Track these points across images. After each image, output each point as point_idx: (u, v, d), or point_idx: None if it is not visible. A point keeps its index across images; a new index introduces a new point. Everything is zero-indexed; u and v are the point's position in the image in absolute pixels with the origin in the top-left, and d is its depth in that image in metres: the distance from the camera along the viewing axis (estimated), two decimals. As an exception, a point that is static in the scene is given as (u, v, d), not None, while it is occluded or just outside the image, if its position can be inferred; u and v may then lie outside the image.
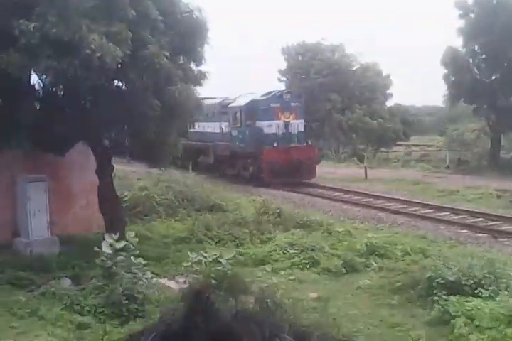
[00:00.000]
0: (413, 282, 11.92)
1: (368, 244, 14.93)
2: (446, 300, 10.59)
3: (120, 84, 14.12)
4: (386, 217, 20.59)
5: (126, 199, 19.82)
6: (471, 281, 11.18)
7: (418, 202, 22.75)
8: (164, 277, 13.23)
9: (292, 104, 29.58)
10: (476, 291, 10.95)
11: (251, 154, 29.50)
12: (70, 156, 16.14)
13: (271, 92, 30.10)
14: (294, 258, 14.52)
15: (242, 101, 30.96)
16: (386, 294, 12.00)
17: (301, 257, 14.51)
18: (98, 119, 13.72)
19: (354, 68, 47.70)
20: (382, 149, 44.30)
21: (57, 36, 11.23)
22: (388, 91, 49.38)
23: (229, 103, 32.26)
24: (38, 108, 13.14)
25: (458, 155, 36.11)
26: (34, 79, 14.07)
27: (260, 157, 28.77)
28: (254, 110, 29.73)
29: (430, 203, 22.52)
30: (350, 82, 45.74)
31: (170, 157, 15.72)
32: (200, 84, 15.38)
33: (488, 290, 10.92)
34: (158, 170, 23.57)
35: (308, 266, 14.18)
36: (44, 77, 13.56)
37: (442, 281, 11.24)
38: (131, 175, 27.09)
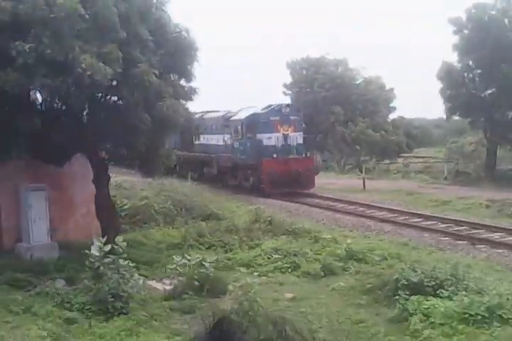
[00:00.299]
0: (382, 284, 12.73)
1: (347, 249, 15.79)
2: (406, 300, 11.43)
3: (115, 99, 15.08)
4: (374, 225, 21.47)
5: (126, 207, 20.87)
6: (433, 282, 12.00)
7: (408, 212, 23.59)
8: (153, 279, 14.17)
9: (291, 118, 30.58)
10: (438, 292, 11.78)
11: (251, 165, 30.50)
12: (71, 167, 17.19)
13: (270, 106, 31.12)
14: (277, 262, 15.42)
15: (243, 115, 32.03)
16: (356, 295, 12.84)
17: (284, 261, 15.40)
18: (94, 132, 14.72)
19: (357, 82, 48.63)
20: (386, 161, 45.09)
21: (51, 56, 12.24)
22: (392, 105, 50.27)
23: (231, 116, 33.34)
24: (37, 121, 14.10)
25: (457, 167, 36.81)
26: (35, 93, 15.19)
27: (260, 168, 29.77)
28: (254, 123, 30.76)
29: (420, 212, 23.36)
30: (352, 96, 46.68)
31: (162, 168, 16.68)
32: (191, 99, 16.39)
33: (448, 290, 11.73)
34: (162, 180, 24.80)
35: (289, 270, 15.06)
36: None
37: (406, 282, 12.06)
38: (138, 186, 28.07)
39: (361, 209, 25.14)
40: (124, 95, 14.25)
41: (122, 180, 26.66)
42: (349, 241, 16.87)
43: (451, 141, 41.62)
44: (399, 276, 12.39)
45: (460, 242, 18.25)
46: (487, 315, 10.54)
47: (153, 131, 14.76)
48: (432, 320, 10.66)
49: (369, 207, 25.41)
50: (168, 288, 13.26)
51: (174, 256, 13.76)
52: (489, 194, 27.34)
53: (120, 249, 12.43)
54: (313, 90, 47.18)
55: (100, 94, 14.71)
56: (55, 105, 14.99)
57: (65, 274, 13.95)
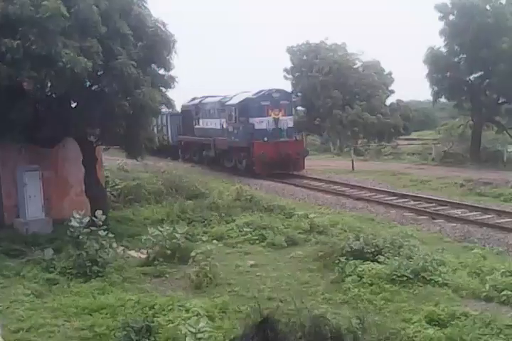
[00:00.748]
0: (331, 251, 14.34)
1: (310, 223, 17.41)
2: (345, 264, 13.08)
3: (97, 88, 16.71)
4: (349, 202, 23.12)
5: (118, 187, 22.62)
6: (373, 249, 13.65)
7: (385, 191, 25.11)
8: (132, 249, 15.90)
9: (281, 102, 32.05)
10: (376, 257, 13.40)
11: (244, 148, 32.11)
12: (66, 151, 18.98)
13: (261, 91, 32.58)
14: (247, 235, 17.06)
15: (236, 100, 33.55)
16: (310, 261, 14.47)
17: (253, 234, 17.04)
18: (80, 118, 16.35)
19: (356, 66, 49.87)
20: (383, 143, 46.51)
21: (36, 52, 13.95)
22: (391, 88, 51.44)
23: (226, 101, 34.85)
24: (29, 109, 15.73)
25: (444, 149, 38.15)
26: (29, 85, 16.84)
27: (252, 150, 31.34)
28: (247, 107, 32.28)
29: (395, 191, 24.85)
30: (350, 80, 47.90)
31: (144, 149, 18.34)
32: (169, 87, 17.98)
33: (384, 256, 13.36)
34: (162, 163, 26.47)
35: (257, 241, 16.69)
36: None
37: (349, 249, 13.72)
38: (137, 168, 29.77)
39: (343, 188, 26.67)
40: (105, 84, 15.87)
41: (124, 163, 28.35)
42: (312, 215, 18.44)
43: (442, 123, 42.85)
44: (345, 244, 14.03)
45: (421, 217, 19.79)
46: (412, 277, 12.18)
47: (133, 116, 16.38)
48: (364, 281, 12.30)
49: (351, 186, 26.94)
50: (143, 256, 14.98)
51: (148, 228, 15.44)
52: (469, 174, 28.76)
53: (100, 222, 14.16)
54: (313, 75, 48.44)
55: (85, 84, 16.34)
56: (46, 95, 16.60)
57: (55, 245, 15.64)
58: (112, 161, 28.10)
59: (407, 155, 40.29)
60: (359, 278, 12.42)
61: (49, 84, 15.39)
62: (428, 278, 12.16)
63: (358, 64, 50.69)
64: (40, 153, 18.41)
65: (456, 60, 34.81)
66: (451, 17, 33.55)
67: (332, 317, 9.03)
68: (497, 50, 31.03)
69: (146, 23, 16.98)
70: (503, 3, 32.80)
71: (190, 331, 8.50)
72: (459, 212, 20.19)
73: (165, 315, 10.35)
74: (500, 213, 19.67)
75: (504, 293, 11.38)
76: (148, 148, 18.56)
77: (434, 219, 19.47)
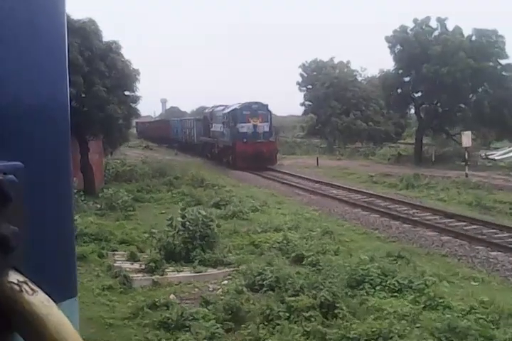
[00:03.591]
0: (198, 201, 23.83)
1: (216, 192, 26.96)
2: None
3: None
4: (277, 185, 32.24)
5: (112, 170, 32.81)
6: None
7: (310, 179, 34.08)
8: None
9: (259, 112, 41.59)
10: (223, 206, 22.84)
11: (230, 147, 41.84)
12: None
13: (245, 103, 42.27)
14: (174, 198, 26.73)
15: (228, 109, 43.40)
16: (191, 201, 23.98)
17: (180, 198, 26.66)
18: (77, 124, 26.58)
19: (353, 79, 58.67)
20: (372, 146, 55.16)
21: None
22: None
23: (224, 110, 44.77)
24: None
25: (398, 151, 46.65)
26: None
27: (235, 149, 41.00)
28: (234, 115, 41.98)
29: (318, 180, 33.78)
30: (348, 93, 56.67)
31: (118, 144, 28.45)
32: (135, 103, 28.02)
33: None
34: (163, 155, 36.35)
35: (179, 202, 26.29)
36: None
37: (212, 203, 23.26)
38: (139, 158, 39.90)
39: (288, 177, 35.84)
40: (86, 103, 26.01)
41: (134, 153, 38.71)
42: (228, 188, 28.03)
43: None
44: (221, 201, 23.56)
45: (318, 197, 28.19)
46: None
47: (105, 123, 26.42)
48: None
49: (293, 176, 36.10)
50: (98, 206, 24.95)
51: (105, 189, 25.45)
52: (394, 170, 37.19)
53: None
54: (317, 88, 57.63)
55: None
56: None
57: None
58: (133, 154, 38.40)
59: (375, 156, 48.77)
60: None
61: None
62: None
63: (359, 78, 59.35)
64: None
65: (404, 79, 43.12)
66: (397, 46, 41.98)
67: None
68: (422, 73, 39.23)
69: (118, 63, 27.03)
70: (432, 36, 41.08)
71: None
72: (335, 191, 29.04)
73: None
74: (358, 192, 28.34)
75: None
76: (122, 142, 28.66)
77: (326, 197, 28.09)
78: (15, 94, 1.01)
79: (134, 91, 27.91)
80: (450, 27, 41.23)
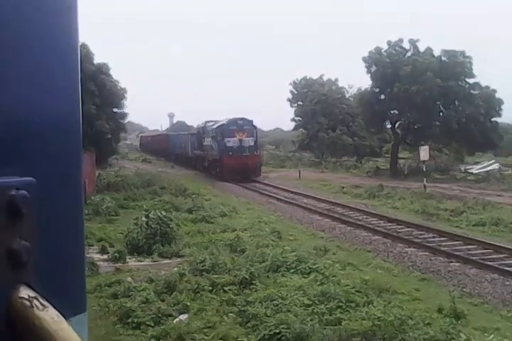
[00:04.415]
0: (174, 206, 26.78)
1: (194, 199, 29.86)
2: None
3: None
4: (257, 196, 35.08)
5: (104, 180, 35.80)
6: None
7: (287, 189, 36.93)
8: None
9: (244, 127, 44.59)
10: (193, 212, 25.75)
11: (218, 160, 44.83)
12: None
13: (231, 119, 45.31)
14: (156, 205, 29.63)
15: (217, 125, 46.45)
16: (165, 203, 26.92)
17: (160, 205, 29.55)
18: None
19: (340, 96, 61.71)
20: (352, 160, 58.10)
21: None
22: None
23: (213, 125, 47.82)
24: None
25: (376, 165, 49.53)
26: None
27: (222, 161, 43.98)
28: (222, 131, 44.99)
29: (293, 190, 36.61)
30: (335, 109, 59.71)
31: (107, 157, 31.50)
32: (122, 119, 31.11)
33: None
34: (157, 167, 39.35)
35: (162, 208, 29.18)
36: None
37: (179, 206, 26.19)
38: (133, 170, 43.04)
39: (268, 188, 38.71)
40: (78, 119, 29.09)
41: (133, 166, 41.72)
42: (208, 197, 30.95)
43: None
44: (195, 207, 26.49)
45: (286, 205, 31.02)
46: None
47: (94, 137, 29.50)
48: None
49: (274, 187, 38.96)
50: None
51: (92, 197, 28.42)
52: (367, 182, 40.02)
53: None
54: (305, 104, 60.75)
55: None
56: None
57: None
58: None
59: (356, 169, 51.63)
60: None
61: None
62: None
63: (347, 95, 62.44)
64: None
65: (379, 97, 46.10)
66: (373, 66, 45.01)
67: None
68: (394, 92, 42.25)
69: (107, 83, 30.20)
70: (405, 56, 44.17)
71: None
72: (305, 200, 31.91)
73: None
74: (324, 201, 31.16)
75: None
76: (109, 158, 31.70)
77: (289, 204, 31.01)
78: (27, 110, 1.01)
79: (121, 108, 31.05)
80: (422, 48, 44.47)
